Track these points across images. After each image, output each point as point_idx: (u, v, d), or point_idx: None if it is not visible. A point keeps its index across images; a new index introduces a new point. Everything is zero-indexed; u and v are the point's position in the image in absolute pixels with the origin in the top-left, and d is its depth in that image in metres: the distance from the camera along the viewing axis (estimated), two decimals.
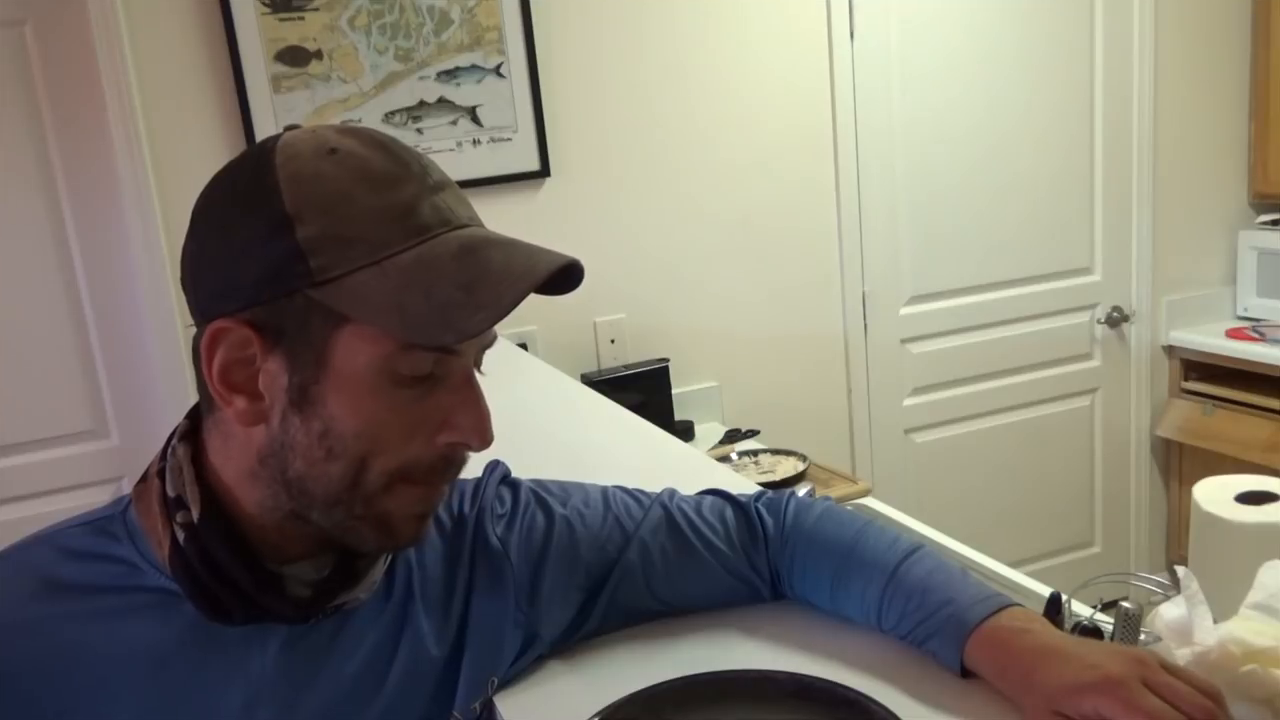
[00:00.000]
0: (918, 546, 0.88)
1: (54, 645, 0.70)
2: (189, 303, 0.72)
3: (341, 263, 0.66)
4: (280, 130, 0.73)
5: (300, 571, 0.74)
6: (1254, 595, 0.79)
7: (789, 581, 0.93)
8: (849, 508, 1.97)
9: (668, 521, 0.92)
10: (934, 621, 0.81)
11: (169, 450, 0.75)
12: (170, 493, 0.72)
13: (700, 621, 0.91)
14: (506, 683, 0.85)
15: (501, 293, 0.66)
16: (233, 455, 0.72)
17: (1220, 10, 2.99)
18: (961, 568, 0.86)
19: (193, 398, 0.78)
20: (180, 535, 0.71)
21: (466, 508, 0.87)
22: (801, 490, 1.98)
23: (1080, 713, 0.68)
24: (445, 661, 0.81)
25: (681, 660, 0.85)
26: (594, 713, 0.76)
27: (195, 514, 0.71)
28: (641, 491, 0.96)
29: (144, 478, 0.76)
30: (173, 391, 2.27)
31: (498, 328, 0.70)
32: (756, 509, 0.95)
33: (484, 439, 0.71)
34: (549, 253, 0.70)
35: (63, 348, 2.27)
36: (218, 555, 0.71)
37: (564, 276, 0.71)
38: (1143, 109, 2.95)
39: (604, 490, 0.95)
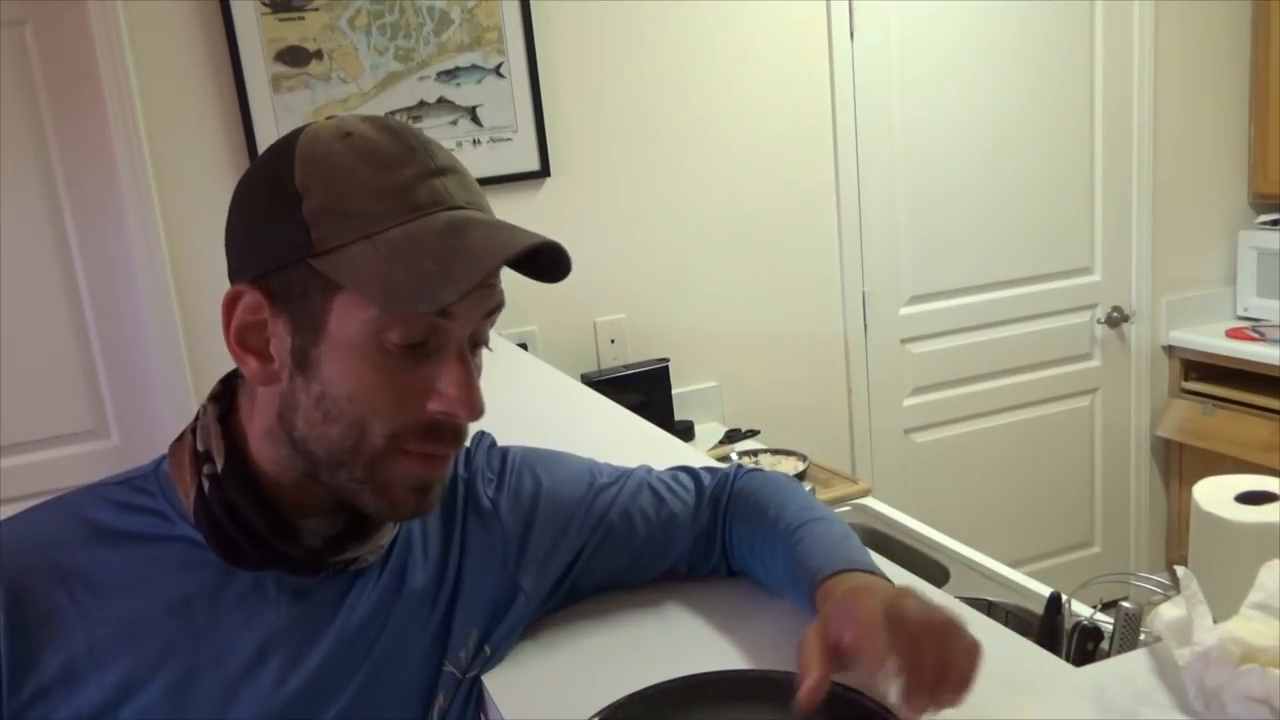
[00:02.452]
0: (822, 516, 0.91)
1: (92, 586, 0.76)
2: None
3: (339, 235, 0.71)
4: (289, 130, 0.78)
5: (315, 525, 0.80)
6: (1254, 595, 0.79)
7: (731, 552, 0.98)
8: (848, 507, 1.98)
9: (648, 486, 0.98)
10: (804, 579, 0.84)
11: (202, 409, 0.81)
12: (200, 447, 0.78)
13: (701, 621, 0.91)
14: (505, 679, 0.85)
15: (472, 267, 0.70)
16: (256, 416, 0.78)
17: (1220, 10, 2.99)
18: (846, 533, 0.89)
19: (192, 397, 0.81)
20: (206, 485, 0.77)
21: (461, 471, 0.92)
22: None
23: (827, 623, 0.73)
24: (440, 616, 0.85)
25: (681, 660, 0.85)
26: (594, 713, 0.76)
27: (219, 465, 0.77)
28: (622, 467, 1.02)
29: (180, 437, 0.82)
30: (173, 391, 2.27)
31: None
32: (703, 472, 1.01)
33: (470, 409, 0.74)
34: (527, 233, 0.74)
35: (63, 348, 2.27)
36: (237, 503, 0.76)
37: (551, 261, 0.76)
38: (1143, 109, 2.95)
39: (588, 461, 1.01)
